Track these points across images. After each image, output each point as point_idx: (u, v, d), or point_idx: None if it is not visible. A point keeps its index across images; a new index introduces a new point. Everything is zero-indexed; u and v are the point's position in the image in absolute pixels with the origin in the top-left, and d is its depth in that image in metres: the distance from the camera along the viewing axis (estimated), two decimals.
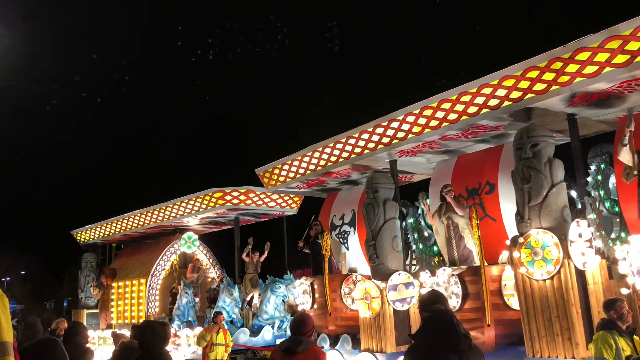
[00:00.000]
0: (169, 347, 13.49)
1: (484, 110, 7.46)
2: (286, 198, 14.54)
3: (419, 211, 9.85)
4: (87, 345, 5.76)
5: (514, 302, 7.39)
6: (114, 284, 16.59)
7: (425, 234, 9.73)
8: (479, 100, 7.46)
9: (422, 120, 8.22)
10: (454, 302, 7.65)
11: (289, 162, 10.94)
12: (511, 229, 7.79)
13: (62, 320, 12.35)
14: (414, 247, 9.75)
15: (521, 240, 6.71)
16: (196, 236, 15.88)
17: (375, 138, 9.02)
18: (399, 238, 8.92)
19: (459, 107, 7.71)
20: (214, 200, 13.88)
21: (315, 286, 10.31)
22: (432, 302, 3.48)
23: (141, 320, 14.44)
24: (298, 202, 14.82)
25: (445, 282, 7.83)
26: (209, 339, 10.28)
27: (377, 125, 8.91)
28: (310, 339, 4.37)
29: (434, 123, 8.09)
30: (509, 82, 7.08)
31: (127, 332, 10.68)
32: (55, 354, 3.32)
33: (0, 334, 2.89)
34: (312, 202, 13.86)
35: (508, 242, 7.02)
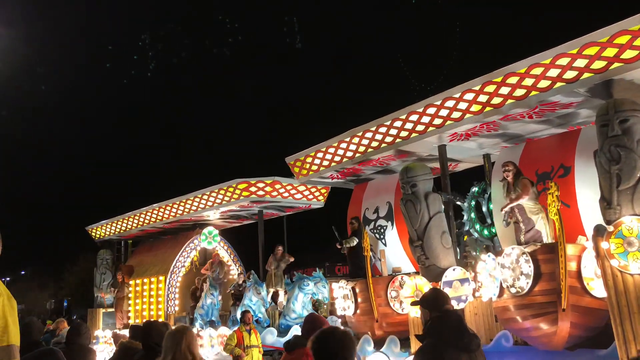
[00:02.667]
0: None
1: (559, 84, 6.61)
2: (313, 190, 13.71)
3: (472, 202, 8.85)
4: (90, 345, 5.70)
5: (595, 287, 6.42)
6: (130, 282, 15.88)
7: (488, 220, 8.70)
8: (553, 72, 6.62)
9: (482, 98, 7.38)
10: (522, 284, 6.64)
11: (324, 150, 10.13)
12: (587, 217, 6.96)
13: (61, 320, 11.74)
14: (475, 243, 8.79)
15: (610, 228, 5.87)
16: (217, 231, 15.08)
17: (425, 119, 8.18)
18: (447, 233, 8.08)
19: (528, 82, 6.86)
20: (237, 191, 13.07)
21: (358, 290, 9.42)
22: (441, 303, 3.62)
23: (144, 321, 13.77)
24: (325, 194, 14.00)
25: (513, 262, 6.83)
26: (235, 343, 9.38)
27: (428, 105, 8.07)
28: None
29: (496, 100, 7.24)
30: (592, 51, 6.24)
31: (126, 333, 10.09)
32: None
33: (8, 336, 2.82)
34: (339, 194, 13.08)
35: (591, 233, 6.18)
